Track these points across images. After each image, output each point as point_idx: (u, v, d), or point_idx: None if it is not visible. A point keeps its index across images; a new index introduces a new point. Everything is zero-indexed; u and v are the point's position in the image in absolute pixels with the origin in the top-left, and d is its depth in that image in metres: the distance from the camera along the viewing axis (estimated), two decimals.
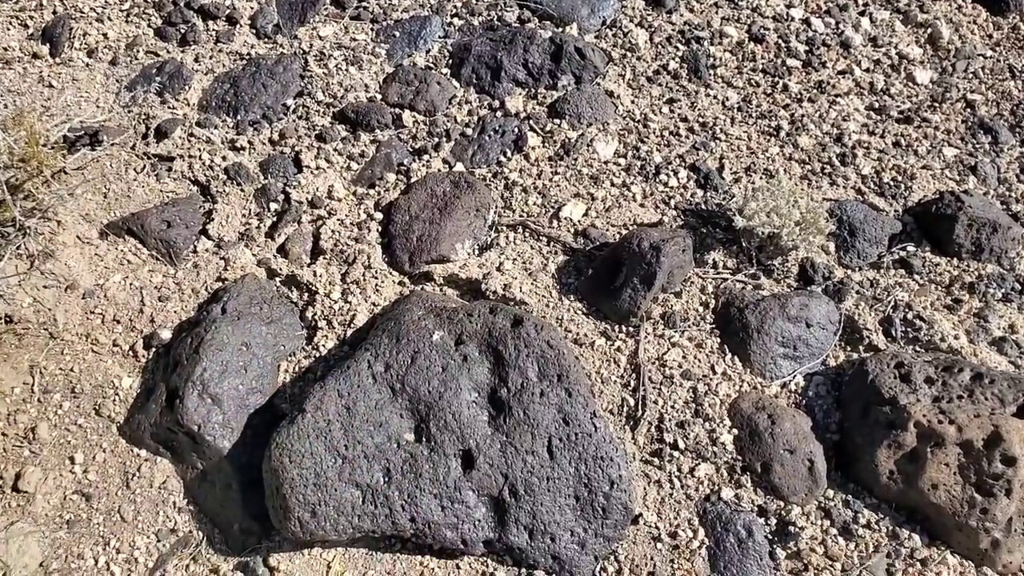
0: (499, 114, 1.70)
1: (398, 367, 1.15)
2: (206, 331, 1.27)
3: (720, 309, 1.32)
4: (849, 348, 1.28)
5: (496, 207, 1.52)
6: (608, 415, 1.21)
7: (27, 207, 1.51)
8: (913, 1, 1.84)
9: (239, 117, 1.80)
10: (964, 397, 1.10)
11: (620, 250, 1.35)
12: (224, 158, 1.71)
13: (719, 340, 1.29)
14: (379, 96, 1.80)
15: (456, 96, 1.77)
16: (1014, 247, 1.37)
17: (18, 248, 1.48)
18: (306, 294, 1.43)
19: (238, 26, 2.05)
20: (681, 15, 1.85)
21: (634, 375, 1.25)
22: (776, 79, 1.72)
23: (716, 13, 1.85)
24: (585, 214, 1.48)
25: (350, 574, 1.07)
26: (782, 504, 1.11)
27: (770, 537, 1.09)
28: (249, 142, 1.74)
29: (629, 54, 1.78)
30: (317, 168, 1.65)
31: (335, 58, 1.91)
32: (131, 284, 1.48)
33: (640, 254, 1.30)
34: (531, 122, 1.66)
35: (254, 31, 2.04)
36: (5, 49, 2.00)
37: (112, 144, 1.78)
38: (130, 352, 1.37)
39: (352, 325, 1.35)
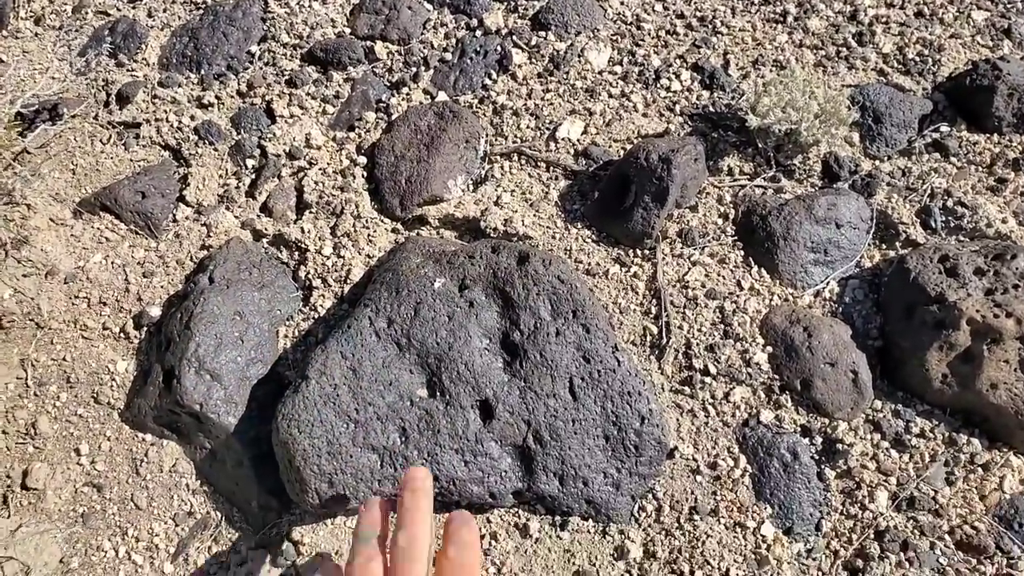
0: (479, 33, 1.56)
1: (402, 321, 1.07)
2: (195, 304, 1.19)
3: (741, 219, 1.21)
4: (885, 246, 1.18)
5: (487, 135, 1.40)
6: (631, 347, 1.13)
7: None
8: None
9: (203, 72, 1.68)
10: (1021, 286, 1.00)
11: (626, 167, 1.23)
12: (192, 117, 1.59)
13: (743, 253, 1.19)
14: (348, 30, 1.66)
15: (430, 19, 1.62)
16: None
17: None
18: (296, 253, 1.34)
19: None
20: None
21: (655, 301, 1.16)
22: None
23: None
24: (584, 132, 1.36)
25: None
26: (827, 421, 1.04)
27: (817, 457, 1.02)
28: (217, 97, 1.62)
29: None
30: (291, 116, 1.53)
31: None
32: (112, 263, 1.39)
33: (649, 169, 1.19)
34: (514, 38, 1.51)
35: None
36: None
37: (73, 116, 1.66)
38: (121, 334, 1.30)
39: (348, 281, 1.26)
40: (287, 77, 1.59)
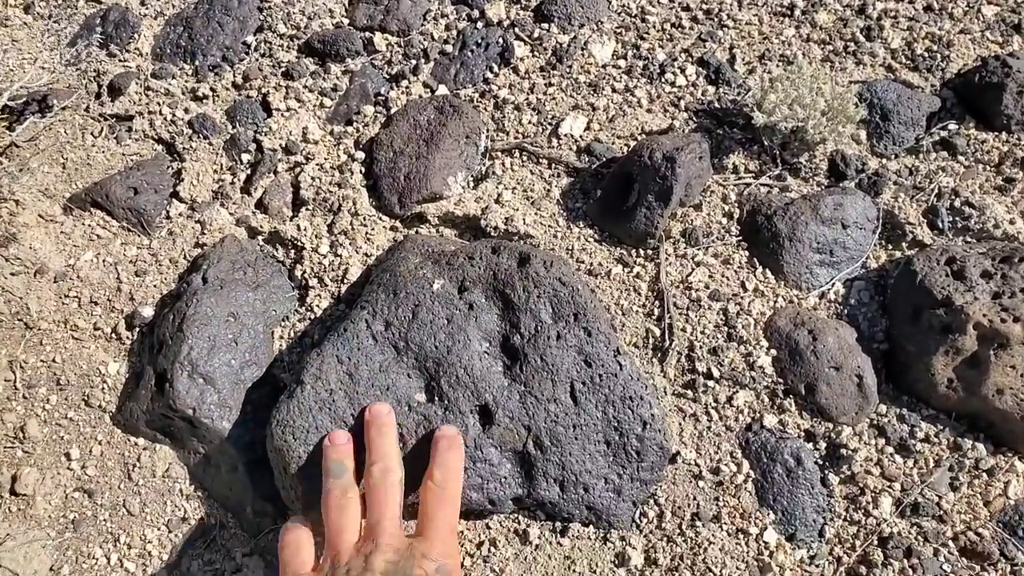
0: (480, 25, 1.53)
1: (399, 323, 1.05)
2: (188, 305, 1.17)
3: (746, 218, 1.19)
4: (891, 246, 1.16)
5: (488, 131, 1.37)
6: (633, 349, 1.11)
7: None
8: None
9: (197, 63, 1.64)
10: None
11: (629, 164, 1.21)
12: (187, 110, 1.56)
13: (747, 253, 1.17)
14: (346, 20, 1.62)
15: (430, 10, 1.59)
16: None
17: None
18: (292, 251, 1.32)
19: None
20: None
21: (657, 302, 1.14)
22: None
23: None
24: (587, 128, 1.33)
25: None
26: (831, 426, 1.02)
27: (821, 463, 1.01)
28: (211, 89, 1.58)
29: None
30: (288, 110, 1.50)
31: None
32: (104, 261, 1.37)
33: (653, 167, 1.16)
34: (516, 30, 1.48)
35: None
36: None
37: (63, 108, 1.62)
38: (112, 335, 1.28)
39: (345, 280, 1.24)
40: (284, 69, 1.56)
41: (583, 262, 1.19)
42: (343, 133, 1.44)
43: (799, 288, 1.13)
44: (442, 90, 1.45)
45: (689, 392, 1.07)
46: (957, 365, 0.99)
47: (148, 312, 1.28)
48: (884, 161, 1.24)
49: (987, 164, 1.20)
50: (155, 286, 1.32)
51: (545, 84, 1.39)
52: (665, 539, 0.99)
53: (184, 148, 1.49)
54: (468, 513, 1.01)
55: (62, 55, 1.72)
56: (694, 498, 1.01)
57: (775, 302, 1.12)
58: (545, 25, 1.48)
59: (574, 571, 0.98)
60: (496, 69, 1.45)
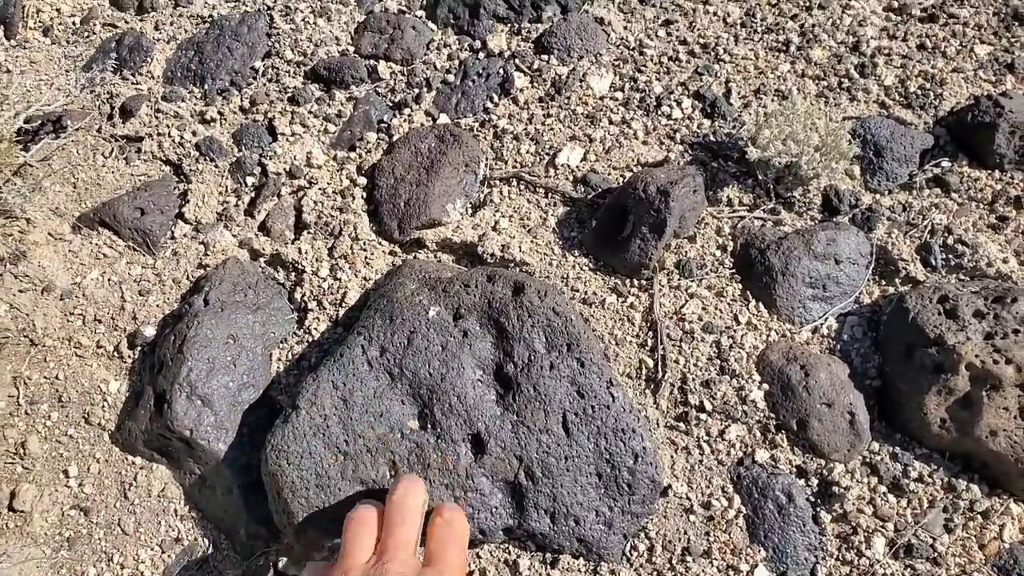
0: (481, 55, 1.56)
1: (394, 350, 1.06)
2: (189, 327, 1.18)
3: (739, 251, 1.20)
4: (884, 282, 1.17)
5: (487, 159, 1.39)
6: (627, 379, 1.12)
7: None
8: None
9: (206, 86, 1.68)
10: (1021, 331, 0.99)
11: (625, 196, 1.22)
12: (195, 133, 1.59)
13: (740, 286, 1.18)
14: (351, 48, 1.66)
15: (434, 40, 1.62)
16: None
17: None
18: (293, 274, 1.34)
19: None
20: None
21: (651, 333, 1.15)
22: None
23: None
24: (584, 158, 1.35)
25: None
26: (823, 463, 1.03)
27: (812, 500, 1.01)
28: (219, 113, 1.62)
29: None
30: (293, 135, 1.53)
31: (301, 11, 1.76)
32: (109, 280, 1.39)
33: (647, 200, 1.18)
34: (517, 61, 1.51)
35: None
36: None
37: (76, 129, 1.66)
38: (115, 353, 1.29)
39: (344, 304, 1.25)
40: (290, 94, 1.59)
41: (577, 291, 1.20)
42: (346, 159, 1.47)
43: (792, 322, 1.14)
44: (443, 119, 1.47)
45: (681, 425, 1.08)
46: (950, 405, 1.00)
47: (150, 331, 1.30)
48: (878, 197, 1.25)
49: (980, 202, 1.21)
50: (158, 306, 1.34)
51: (544, 115, 1.42)
52: (655, 573, 0.99)
53: (191, 170, 1.52)
54: None
55: (78, 78, 1.76)
56: (685, 532, 1.01)
57: (768, 336, 1.13)
58: (545, 57, 1.51)
59: None
60: (496, 99, 1.47)
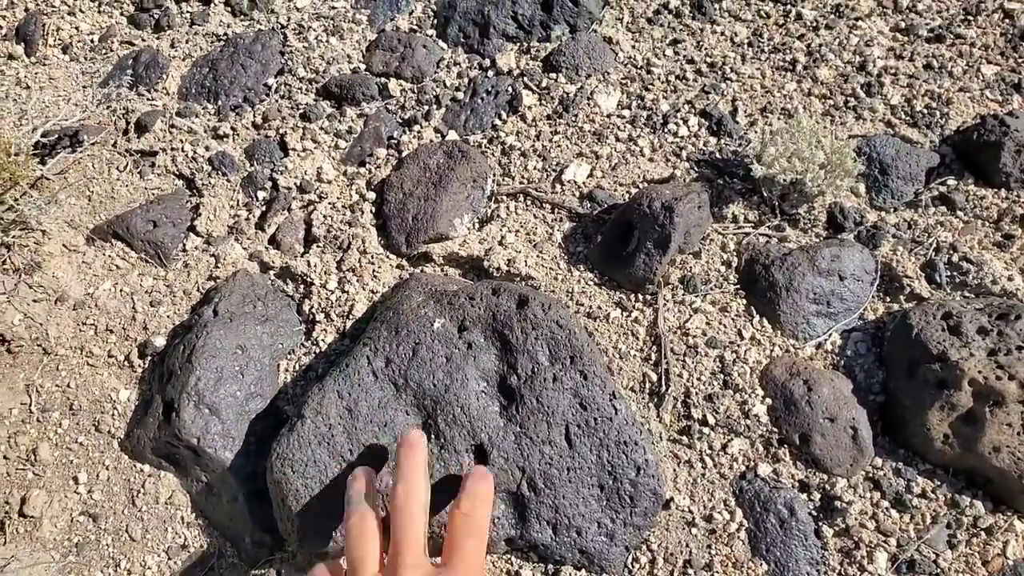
0: (490, 73, 1.58)
1: (399, 361, 1.07)
2: (198, 337, 1.20)
3: (744, 267, 1.21)
4: (889, 299, 1.17)
5: (494, 175, 1.41)
6: (629, 393, 1.13)
7: (8, 219, 1.44)
8: None
9: (220, 102, 1.71)
10: None
11: (630, 212, 1.24)
12: (207, 148, 1.62)
13: (745, 302, 1.18)
14: (363, 66, 1.69)
15: (444, 58, 1.65)
16: None
17: (3, 263, 1.42)
18: (302, 286, 1.36)
19: (212, 5, 1.95)
20: None
21: (655, 347, 1.15)
22: (788, 7, 1.57)
23: None
24: (590, 175, 1.37)
25: None
26: (825, 477, 1.02)
27: (815, 514, 1.01)
28: (232, 128, 1.65)
29: None
30: (304, 150, 1.56)
31: (314, 30, 1.79)
32: (121, 291, 1.42)
33: (652, 216, 1.19)
34: (525, 79, 1.54)
35: (229, 8, 1.93)
36: None
37: (92, 143, 1.70)
38: (125, 362, 1.31)
39: (351, 316, 1.27)
40: (302, 111, 1.62)
41: (582, 305, 1.21)
42: (356, 174, 1.49)
43: (795, 338, 1.15)
44: (452, 135, 1.50)
45: (684, 438, 1.08)
46: (953, 421, 1.00)
47: (160, 342, 1.32)
48: (883, 214, 1.26)
49: (986, 220, 1.22)
50: (168, 316, 1.36)
51: (551, 132, 1.44)
52: None
53: (203, 184, 1.55)
54: None
55: (94, 94, 1.80)
56: (687, 545, 1.01)
57: (771, 351, 1.13)
58: (553, 75, 1.53)
59: None
60: (504, 116, 1.49)
